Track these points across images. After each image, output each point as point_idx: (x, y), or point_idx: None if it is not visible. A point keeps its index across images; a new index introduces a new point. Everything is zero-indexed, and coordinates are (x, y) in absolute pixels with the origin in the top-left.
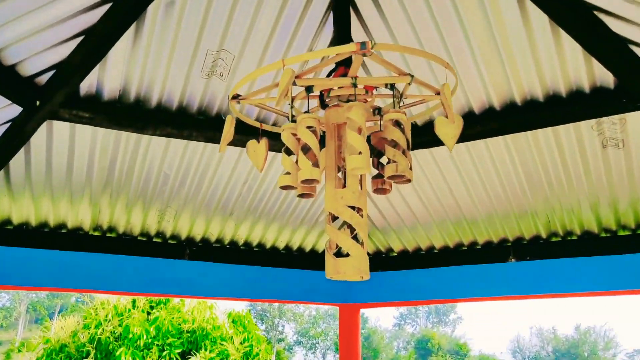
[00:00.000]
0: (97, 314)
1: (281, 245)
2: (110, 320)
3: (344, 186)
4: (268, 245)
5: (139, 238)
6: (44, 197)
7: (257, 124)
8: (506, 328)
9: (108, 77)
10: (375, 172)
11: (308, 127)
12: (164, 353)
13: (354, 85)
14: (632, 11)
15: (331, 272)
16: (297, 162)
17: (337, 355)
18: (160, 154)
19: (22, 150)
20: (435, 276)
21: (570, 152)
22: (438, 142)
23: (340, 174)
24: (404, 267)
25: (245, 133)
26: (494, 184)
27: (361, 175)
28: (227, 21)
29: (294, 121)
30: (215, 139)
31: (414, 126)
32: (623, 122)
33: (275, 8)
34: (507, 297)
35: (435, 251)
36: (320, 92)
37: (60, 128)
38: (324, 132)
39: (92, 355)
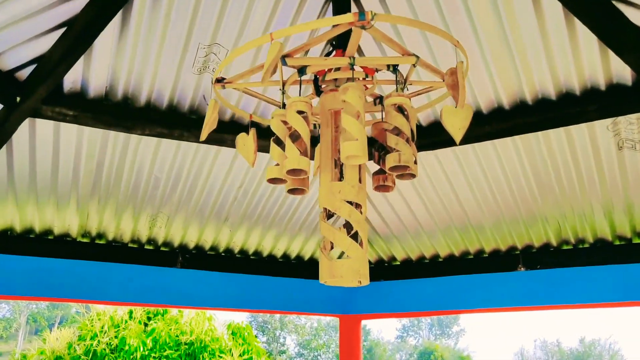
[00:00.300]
0: (92, 325)
1: (279, 253)
2: (106, 332)
3: (341, 179)
4: (265, 253)
5: (130, 245)
6: (29, 202)
7: (246, 114)
8: (510, 340)
9: (93, 73)
10: (377, 167)
11: (299, 112)
12: None
13: (352, 66)
14: None
15: (325, 276)
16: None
17: None
18: (150, 156)
19: (4, 151)
20: (440, 286)
21: (583, 154)
22: (443, 144)
23: (337, 170)
24: (407, 277)
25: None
26: (502, 188)
27: (360, 168)
28: (220, 13)
29: (285, 108)
30: (209, 140)
31: (418, 127)
32: None
33: None
34: (516, 308)
35: (440, 260)
36: (315, 76)
37: (43, 127)
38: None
39: None
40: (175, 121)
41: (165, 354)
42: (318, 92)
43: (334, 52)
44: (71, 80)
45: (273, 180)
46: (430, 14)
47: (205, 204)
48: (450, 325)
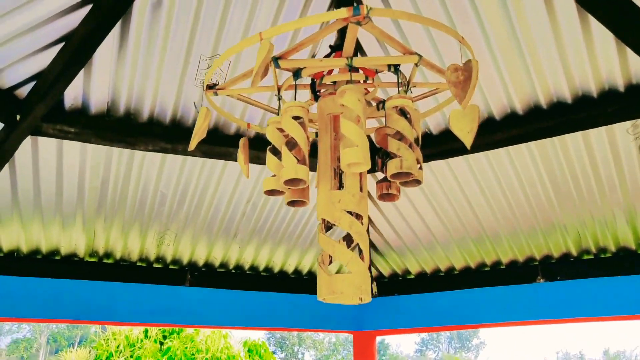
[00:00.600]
0: (108, 345)
1: (290, 269)
2: (122, 351)
3: (341, 188)
4: (276, 269)
5: (138, 264)
6: (34, 222)
7: (244, 123)
8: (531, 352)
9: (94, 88)
10: (381, 176)
11: (295, 118)
12: None
13: (349, 67)
14: None
15: (324, 292)
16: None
17: None
18: (155, 172)
19: (7, 170)
20: (456, 300)
21: (602, 158)
22: (454, 152)
23: (336, 179)
24: (422, 291)
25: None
26: (518, 196)
27: (361, 176)
28: (221, 23)
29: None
30: (214, 154)
31: (428, 136)
32: None
33: (273, 7)
34: (535, 321)
35: (456, 272)
36: (312, 79)
37: (46, 145)
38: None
39: None
40: (180, 136)
41: None
42: (316, 96)
43: (333, 54)
44: (72, 96)
45: (271, 192)
46: (436, 14)
47: (213, 220)
48: (470, 338)
